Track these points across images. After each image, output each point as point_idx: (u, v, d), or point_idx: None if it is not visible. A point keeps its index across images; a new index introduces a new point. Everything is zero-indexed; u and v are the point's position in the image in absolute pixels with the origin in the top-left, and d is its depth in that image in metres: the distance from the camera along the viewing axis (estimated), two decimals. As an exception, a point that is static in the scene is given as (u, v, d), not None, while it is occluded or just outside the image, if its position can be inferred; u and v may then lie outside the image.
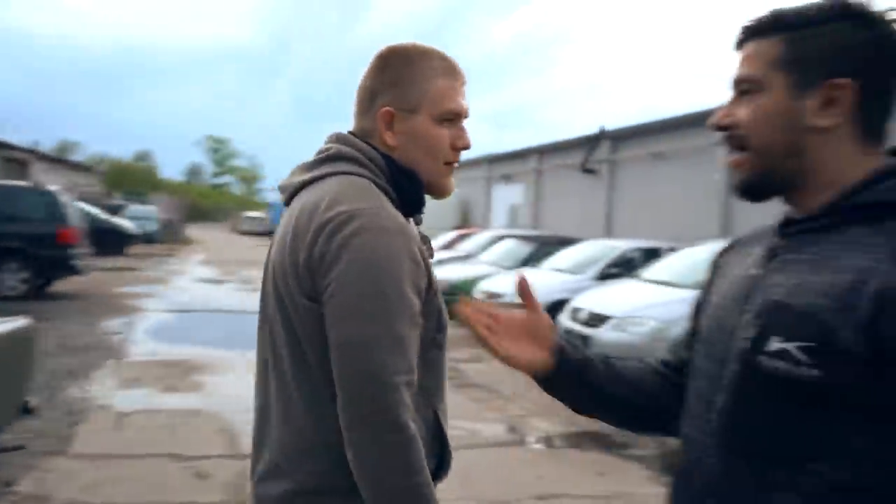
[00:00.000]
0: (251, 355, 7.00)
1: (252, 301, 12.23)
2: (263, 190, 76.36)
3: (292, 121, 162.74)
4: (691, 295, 6.16)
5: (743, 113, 1.02)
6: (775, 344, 0.92)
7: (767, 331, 0.94)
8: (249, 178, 78.83)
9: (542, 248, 12.06)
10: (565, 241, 12.09)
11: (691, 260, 8.35)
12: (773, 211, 1.11)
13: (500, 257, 12.40)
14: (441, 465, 1.39)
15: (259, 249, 28.25)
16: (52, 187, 11.61)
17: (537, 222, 19.50)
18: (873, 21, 0.97)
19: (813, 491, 0.89)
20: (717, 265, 1.22)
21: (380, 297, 1.21)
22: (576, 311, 7.76)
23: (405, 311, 1.27)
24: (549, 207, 19.26)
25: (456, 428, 5.55)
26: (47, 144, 45.95)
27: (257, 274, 8.28)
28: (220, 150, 78.36)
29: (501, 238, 13.91)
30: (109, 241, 18.55)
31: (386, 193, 1.32)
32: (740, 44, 1.05)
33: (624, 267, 9.88)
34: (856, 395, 0.87)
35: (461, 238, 16.53)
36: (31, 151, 27.20)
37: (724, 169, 12.11)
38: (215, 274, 16.46)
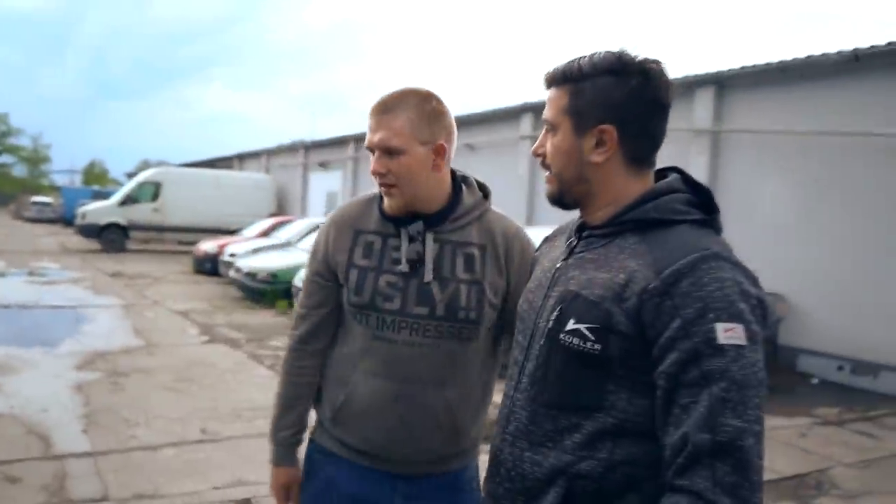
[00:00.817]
0: (53, 352, 6.67)
1: (49, 294, 11.30)
2: (52, 173, 69.26)
3: (84, 97, 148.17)
4: None
5: (548, 146, 1.32)
6: (571, 325, 1.22)
7: (566, 314, 1.24)
8: (34, 158, 70.93)
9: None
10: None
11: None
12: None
13: (320, 245, 12.46)
14: (342, 407, 1.74)
15: (51, 238, 25.75)
16: None
17: (355, 209, 19.69)
18: (632, 74, 1.24)
19: (593, 430, 1.20)
20: (536, 257, 1.53)
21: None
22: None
23: (303, 289, 1.83)
24: (366, 195, 19.52)
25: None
26: None
27: (52, 265, 7.91)
28: (-4, 127, 69.74)
29: (319, 226, 13.95)
30: None
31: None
32: (547, 87, 1.34)
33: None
34: (623, 363, 1.18)
35: (277, 226, 16.32)
36: None
37: (528, 163, 13.05)
38: (0, 266, 14.87)
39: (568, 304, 1.24)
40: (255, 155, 27.69)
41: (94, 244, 20.56)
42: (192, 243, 18.14)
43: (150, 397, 5.93)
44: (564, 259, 1.34)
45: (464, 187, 1.75)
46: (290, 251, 12.72)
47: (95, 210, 20.85)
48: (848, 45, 8.17)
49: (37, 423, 5.03)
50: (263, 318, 10.43)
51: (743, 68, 9.29)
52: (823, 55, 8.27)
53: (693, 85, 9.94)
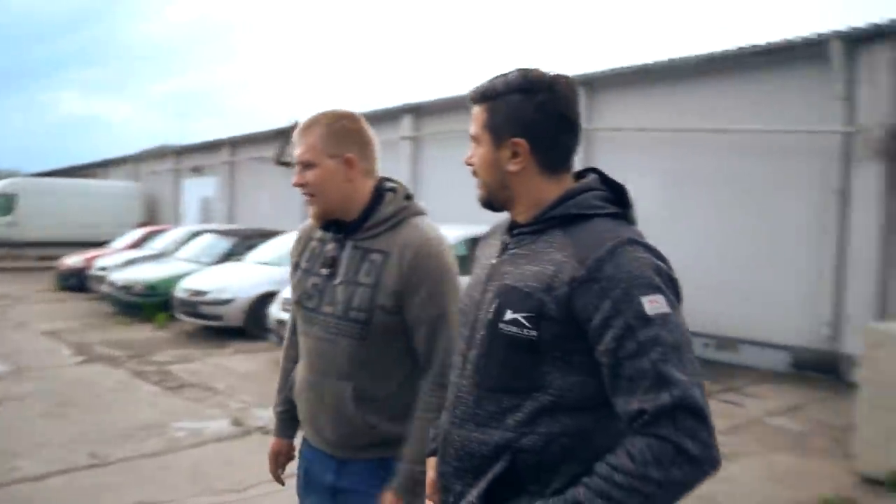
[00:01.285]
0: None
1: None
2: None
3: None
4: None
5: (475, 158, 1.48)
6: (509, 315, 1.35)
7: (503, 307, 1.37)
8: None
9: (243, 241, 11.99)
10: (267, 234, 12.15)
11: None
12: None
13: (199, 253, 12.05)
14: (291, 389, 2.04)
15: None
16: None
17: (232, 216, 19.12)
18: (539, 91, 1.39)
19: (532, 408, 1.35)
20: (476, 255, 1.66)
21: None
22: (287, 301, 7.99)
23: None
24: (243, 201, 18.99)
25: (180, 430, 5.51)
26: None
27: None
28: None
29: (198, 234, 13.47)
30: None
31: None
32: (471, 104, 1.48)
33: (326, 256, 10.32)
34: (556, 346, 1.32)
35: (150, 236, 15.59)
36: None
37: (409, 164, 13.20)
38: None
39: (505, 296, 1.37)
40: (120, 161, 26.18)
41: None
42: (55, 258, 16.96)
43: (28, 425, 5.57)
44: (499, 256, 1.48)
45: (387, 196, 1.90)
46: (167, 262, 12.22)
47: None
48: (704, 49, 8.87)
49: None
50: (142, 333, 9.97)
51: (611, 70, 9.87)
52: (682, 58, 8.95)
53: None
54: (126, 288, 11.08)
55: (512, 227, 1.49)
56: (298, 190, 1.89)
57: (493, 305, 1.39)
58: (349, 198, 1.87)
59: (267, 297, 9.15)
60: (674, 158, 9.12)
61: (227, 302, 9.38)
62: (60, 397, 6.39)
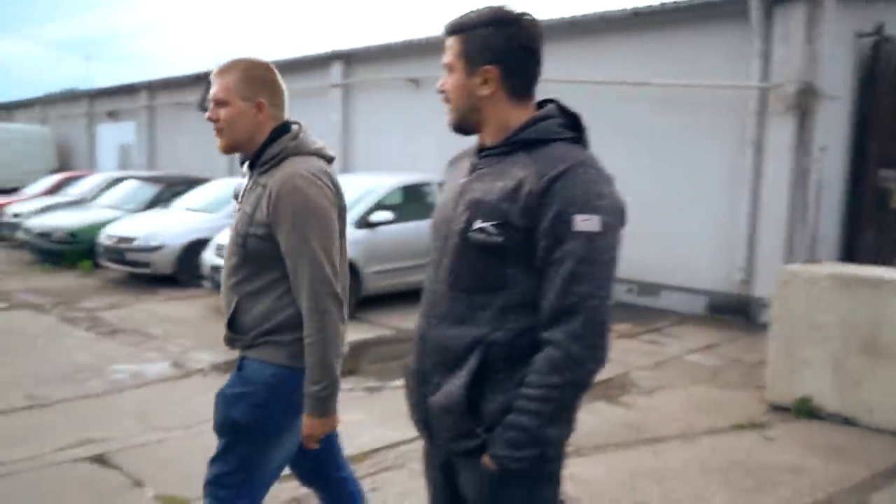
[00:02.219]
0: None
1: None
2: None
3: None
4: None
5: (448, 84, 1.63)
6: (478, 224, 1.54)
7: (473, 217, 1.56)
8: None
9: (169, 188, 11.69)
10: (194, 181, 11.87)
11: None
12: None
13: (122, 200, 11.67)
14: None
15: None
16: None
17: (153, 163, 18.46)
18: (509, 23, 1.56)
19: (500, 306, 1.54)
20: (444, 179, 1.82)
21: None
22: (220, 247, 7.92)
23: None
24: (164, 147, 18.34)
25: (120, 372, 5.48)
26: None
27: None
28: None
29: (120, 180, 13.01)
30: None
31: None
32: (445, 36, 1.63)
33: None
34: (518, 250, 1.51)
35: (67, 181, 14.94)
36: None
37: (341, 110, 13.05)
38: None
39: (474, 208, 1.56)
40: (26, 104, 24.68)
41: None
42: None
43: (-45, 370, 5.42)
44: (468, 176, 1.65)
45: (282, 137, 2.13)
46: (88, 208, 11.78)
47: None
48: (632, 3, 9.11)
49: None
50: (66, 280, 9.66)
51: (543, 21, 10.00)
52: (610, 12, 9.16)
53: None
54: (45, 235, 10.66)
55: (480, 150, 1.66)
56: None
57: (464, 216, 1.57)
58: (252, 137, 2.12)
59: (198, 244, 9.02)
60: (599, 110, 9.37)
61: (156, 249, 9.18)
62: (-13, 343, 6.21)
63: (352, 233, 7.81)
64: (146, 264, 9.24)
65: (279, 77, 2.19)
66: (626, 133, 9.13)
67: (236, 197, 2.22)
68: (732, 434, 4.51)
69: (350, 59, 13.10)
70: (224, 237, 7.97)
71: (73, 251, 10.40)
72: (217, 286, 7.81)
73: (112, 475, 3.68)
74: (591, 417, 4.69)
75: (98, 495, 3.46)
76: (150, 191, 11.72)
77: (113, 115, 20.09)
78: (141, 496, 3.47)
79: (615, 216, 1.49)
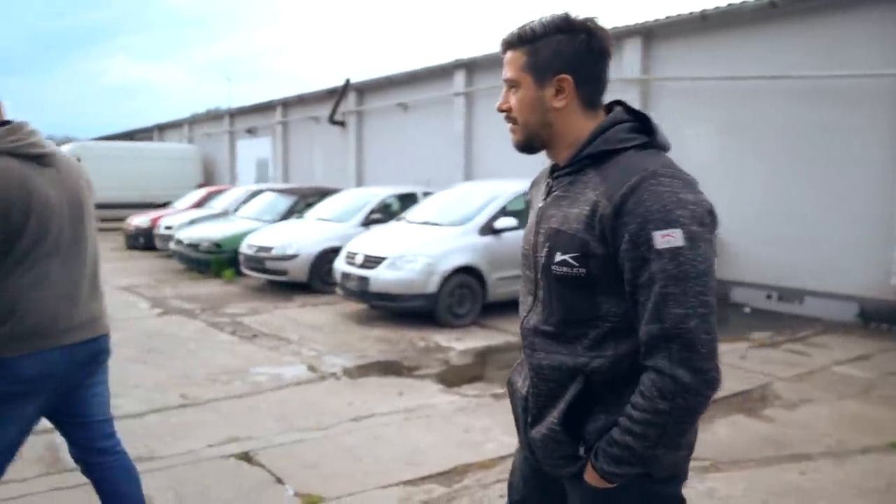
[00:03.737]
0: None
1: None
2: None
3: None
4: (453, 232, 7.18)
5: (513, 101, 1.56)
6: (559, 257, 1.49)
7: (553, 250, 1.50)
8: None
9: (302, 199, 12.27)
10: (325, 192, 12.41)
11: (447, 201, 9.23)
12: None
13: (261, 211, 12.38)
14: None
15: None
16: None
17: (287, 175, 19.48)
18: (578, 31, 1.49)
19: (596, 335, 1.49)
20: (528, 201, 1.78)
21: None
22: (351, 255, 8.23)
23: None
24: (297, 160, 19.31)
25: (261, 374, 5.81)
26: None
27: None
28: None
29: (258, 193, 13.81)
30: None
31: None
32: (503, 52, 1.57)
33: (384, 212, 10.54)
34: (604, 278, 1.45)
35: (211, 195, 16.03)
36: None
37: (464, 120, 13.20)
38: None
39: (553, 240, 1.51)
40: (176, 125, 26.79)
41: None
42: (118, 220, 17.57)
43: (121, 369, 5.91)
44: (544, 199, 1.60)
45: None
46: (231, 220, 12.58)
47: None
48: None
49: None
50: (212, 287, 10.37)
51: (668, 18, 9.69)
52: (742, 3, 8.73)
53: (622, 36, 10.29)
54: (193, 245, 11.49)
55: (553, 170, 1.61)
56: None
57: (545, 249, 1.53)
58: None
59: (329, 253, 9.43)
60: (733, 108, 8.96)
61: (291, 257, 9.67)
62: (146, 345, 6.77)
63: (476, 239, 7.91)
64: (283, 272, 9.75)
65: None
66: (763, 131, 8.65)
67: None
68: (890, 454, 4.15)
69: (472, 67, 13.25)
70: (360, 245, 8.28)
71: (218, 260, 11.15)
72: (350, 293, 8.12)
73: (256, 472, 3.90)
74: (728, 431, 4.47)
75: (244, 491, 3.68)
76: (286, 202, 12.35)
77: (251, 132, 21.39)
78: (282, 493, 3.66)
79: (701, 223, 1.39)
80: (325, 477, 3.82)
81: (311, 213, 11.18)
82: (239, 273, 10.71)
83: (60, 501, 3.53)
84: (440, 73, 13.77)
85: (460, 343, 6.99)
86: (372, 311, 8.30)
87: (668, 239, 1.34)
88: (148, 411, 4.89)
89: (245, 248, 10.27)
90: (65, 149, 17.88)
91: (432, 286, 7.56)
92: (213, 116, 24.41)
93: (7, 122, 2.36)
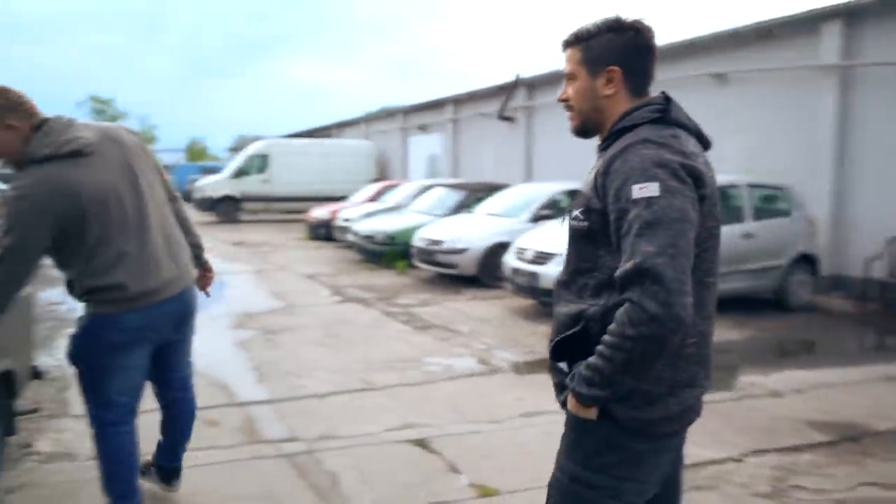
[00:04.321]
0: (209, 314, 7.10)
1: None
2: (161, 151, 72.79)
3: (181, 77, 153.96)
4: None
5: (570, 92, 1.80)
6: (574, 212, 1.73)
7: (573, 207, 1.75)
8: (143, 140, 74.57)
9: (472, 194, 12.46)
10: (494, 188, 12.52)
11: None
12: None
13: (432, 206, 12.72)
14: None
15: (168, 213, 27.24)
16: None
17: (456, 171, 19.89)
18: (627, 30, 1.71)
19: (595, 284, 1.69)
20: None
21: None
22: (521, 250, 8.23)
23: None
24: (467, 156, 19.66)
25: (433, 364, 5.96)
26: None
27: None
28: (105, 111, 73.66)
29: (430, 187, 14.21)
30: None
31: None
32: (563, 50, 1.81)
33: (553, 208, 10.44)
34: (603, 233, 1.64)
35: (385, 190, 16.73)
36: None
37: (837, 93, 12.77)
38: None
39: (574, 199, 1.77)
40: (353, 122, 28.28)
41: (209, 216, 21.67)
42: (299, 212, 18.83)
43: (304, 352, 6.35)
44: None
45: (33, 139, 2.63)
46: (403, 213, 13.05)
47: (210, 184, 21.95)
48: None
49: (215, 376, 5.51)
50: (386, 278, 10.82)
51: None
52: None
53: (817, 19, 9.46)
54: (369, 237, 12.05)
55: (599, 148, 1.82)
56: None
57: (571, 208, 1.78)
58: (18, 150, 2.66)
59: (498, 247, 9.49)
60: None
61: (461, 251, 9.85)
62: (327, 330, 7.19)
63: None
64: (452, 265, 9.96)
65: (14, 94, 2.60)
66: None
67: None
68: None
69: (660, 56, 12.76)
70: (531, 241, 8.27)
71: (392, 252, 11.61)
72: (520, 289, 8.13)
73: (432, 459, 4.00)
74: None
75: (421, 475, 3.78)
76: (456, 197, 12.61)
77: (422, 128, 22.07)
78: (457, 481, 3.72)
79: (681, 180, 1.54)
80: (500, 470, 3.84)
81: (481, 208, 11.32)
82: (411, 265, 11.08)
83: (259, 469, 3.81)
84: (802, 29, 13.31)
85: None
86: (540, 307, 8.25)
87: (643, 190, 1.52)
88: (330, 392, 5.18)
89: (417, 241, 10.60)
90: (255, 146, 19.31)
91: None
92: (387, 114, 25.46)
93: (44, 123, 2.64)
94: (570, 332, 1.68)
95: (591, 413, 1.63)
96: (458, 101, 19.89)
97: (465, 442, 4.26)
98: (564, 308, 1.74)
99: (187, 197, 26.65)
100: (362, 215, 13.92)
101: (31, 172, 2.55)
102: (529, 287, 7.87)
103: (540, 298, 7.96)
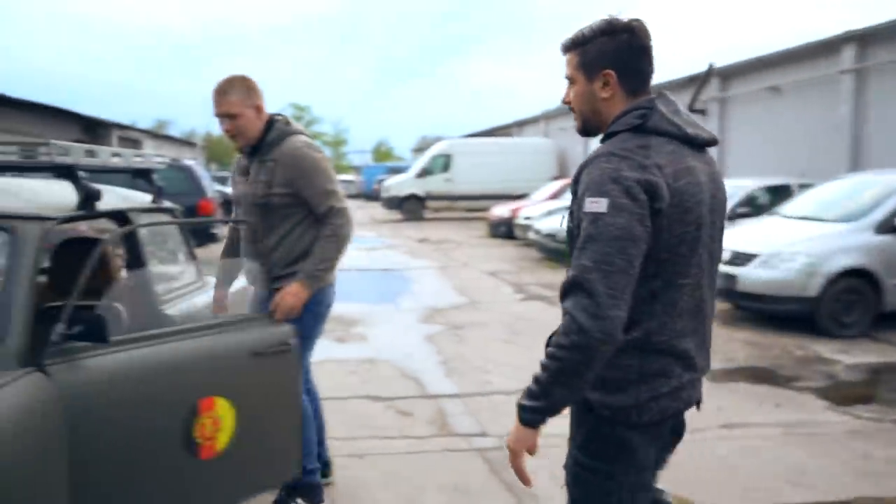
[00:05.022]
0: (398, 308, 7.41)
1: (375, 259, 12.75)
2: (349, 154, 77.44)
3: (374, 81, 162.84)
4: (841, 229, 6.23)
5: (571, 95, 1.82)
6: (566, 213, 1.77)
7: (570, 206, 1.76)
8: (335, 143, 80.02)
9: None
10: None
11: (831, 194, 8.16)
12: None
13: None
14: None
15: (359, 212, 28.88)
16: (188, 162, 12.30)
17: (640, 167, 19.17)
18: (620, 32, 1.72)
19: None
20: None
21: None
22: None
23: None
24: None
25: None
26: (144, 123, 47.84)
27: (368, 234, 8.84)
28: (302, 118, 79.47)
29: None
30: (230, 209, 19.45)
31: None
32: (563, 54, 1.82)
33: (750, 205, 9.72)
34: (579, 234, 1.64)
35: (566, 187, 16.52)
36: (144, 131, 28.74)
37: (852, 100, 11.57)
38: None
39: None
40: (533, 120, 28.26)
41: (396, 214, 22.67)
42: (480, 210, 19.13)
43: (489, 348, 6.42)
44: None
45: (274, 126, 3.04)
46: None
47: (397, 184, 22.97)
48: None
49: (406, 368, 5.72)
50: (568, 277, 10.67)
51: None
52: None
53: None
54: (551, 236, 11.96)
55: None
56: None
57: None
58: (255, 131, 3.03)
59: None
60: None
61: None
62: (511, 327, 7.22)
63: (870, 238, 6.86)
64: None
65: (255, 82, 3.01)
66: None
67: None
68: None
69: (865, 40, 11.50)
70: (728, 240, 7.77)
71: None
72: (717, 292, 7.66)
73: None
74: None
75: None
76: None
77: (605, 125, 21.51)
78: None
79: (632, 198, 1.57)
80: (698, 483, 3.61)
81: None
82: (593, 264, 10.82)
83: (451, 461, 3.89)
84: (822, 50, 12.23)
85: (847, 356, 6.11)
86: (737, 311, 7.71)
87: (594, 205, 1.58)
88: (517, 390, 5.11)
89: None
90: (438, 146, 19.97)
91: (813, 289, 6.74)
92: (567, 111, 25.06)
93: (275, 119, 3.06)
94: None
95: (521, 443, 1.66)
96: (645, 94, 19.15)
97: (659, 450, 4.06)
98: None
99: (375, 196, 28.18)
100: (543, 213, 13.85)
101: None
102: (725, 289, 7.37)
103: (738, 302, 7.44)
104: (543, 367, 1.60)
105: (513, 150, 23.31)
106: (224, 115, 2.91)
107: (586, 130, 1.86)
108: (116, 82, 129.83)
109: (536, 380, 1.62)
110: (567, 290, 1.58)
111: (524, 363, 5.85)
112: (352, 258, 12.72)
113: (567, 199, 11.82)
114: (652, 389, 1.70)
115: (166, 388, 2.30)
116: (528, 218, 14.26)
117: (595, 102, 1.77)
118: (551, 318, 7.62)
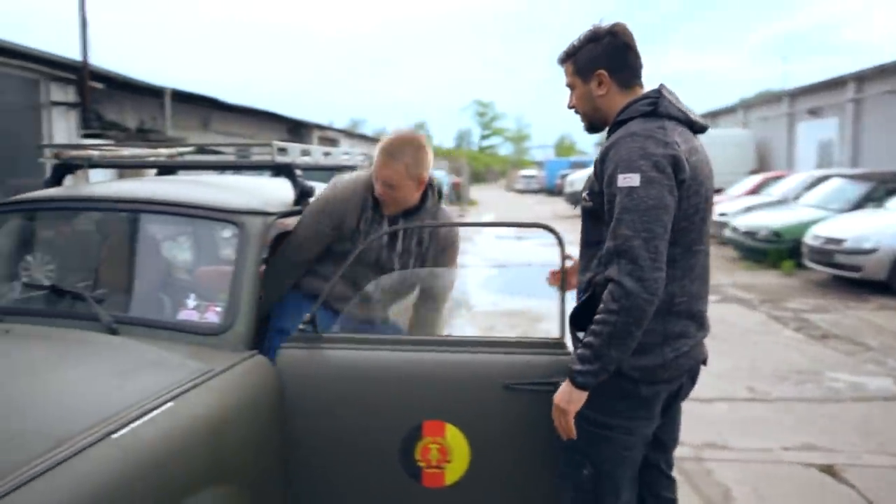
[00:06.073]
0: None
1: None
2: (532, 148, 77.58)
3: (553, 74, 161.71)
4: None
5: (574, 99, 2.04)
6: (584, 194, 1.98)
7: (583, 190, 1.99)
8: (516, 138, 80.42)
9: (881, 186, 10.67)
10: (911, 178, 10.56)
11: None
12: None
13: (827, 199, 11.22)
14: None
15: (540, 207, 28.79)
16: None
17: (856, 159, 17.30)
18: (604, 36, 1.95)
19: (599, 255, 1.88)
20: None
21: None
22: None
23: None
24: (872, 141, 16.95)
25: (836, 380, 5.24)
26: (340, 123, 50.95)
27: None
28: (485, 114, 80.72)
29: (825, 178, 12.57)
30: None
31: None
32: (560, 65, 2.05)
33: None
34: (601, 211, 1.87)
35: (767, 182, 15.31)
36: (340, 130, 30.76)
37: None
38: (512, 231, 17.17)
39: (585, 183, 2.00)
40: (728, 110, 26.49)
41: (578, 211, 22.27)
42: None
43: (683, 352, 6.08)
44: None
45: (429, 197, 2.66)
46: (792, 208, 11.78)
47: (580, 179, 22.59)
48: None
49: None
50: (769, 278, 9.88)
51: None
52: None
53: None
54: (750, 234, 11.14)
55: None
56: None
57: (582, 190, 2.03)
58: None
59: (918, 249, 7.97)
60: None
61: (868, 252, 8.49)
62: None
63: None
64: (856, 268, 8.66)
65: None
66: None
67: None
68: None
69: None
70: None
71: (776, 250, 10.55)
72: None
73: (844, 491, 3.48)
74: None
75: (830, 508, 3.32)
76: (858, 189, 10.93)
77: (814, 112, 19.67)
78: (878, 524, 3.17)
79: (661, 171, 1.76)
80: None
81: (894, 203, 9.63)
82: (799, 265, 9.94)
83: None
84: None
85: None
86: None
87: (627, 180, 1.76)
88: (714, 398, 4.85)
89: (810, 239, 9.45)
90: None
91: None
92: (768, 99, 23.25)
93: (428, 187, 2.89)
94: (583, 299, 1.91)
95: (573, 404, 1.82)
96: (862, 77, 17.22)
97: (886, 476, 3.62)
98: (581, 276, 2.01)
99: (558, 191, 27.86)
100: (741, 209, 12.90)
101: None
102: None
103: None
104: (595, 333, 1.76)
105: (706, 142, 21.16)
106: (384, 181, 2.47)
107: (592, 127, 2.06)
108: (313, 84, 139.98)
109: (589, 345, 1.78)
110: (610, 258, 1.77)
111: (721, 370, 5.50)
112: (534, 253, 12.70)
113: (769, 194, 11.04)
114: (675, 350, 1.88)
115: (389, 397, 2.14)
116: (723, 214, 13.37)
117: (593, 101, 1.99)
118: (750, 323, 7.15)
